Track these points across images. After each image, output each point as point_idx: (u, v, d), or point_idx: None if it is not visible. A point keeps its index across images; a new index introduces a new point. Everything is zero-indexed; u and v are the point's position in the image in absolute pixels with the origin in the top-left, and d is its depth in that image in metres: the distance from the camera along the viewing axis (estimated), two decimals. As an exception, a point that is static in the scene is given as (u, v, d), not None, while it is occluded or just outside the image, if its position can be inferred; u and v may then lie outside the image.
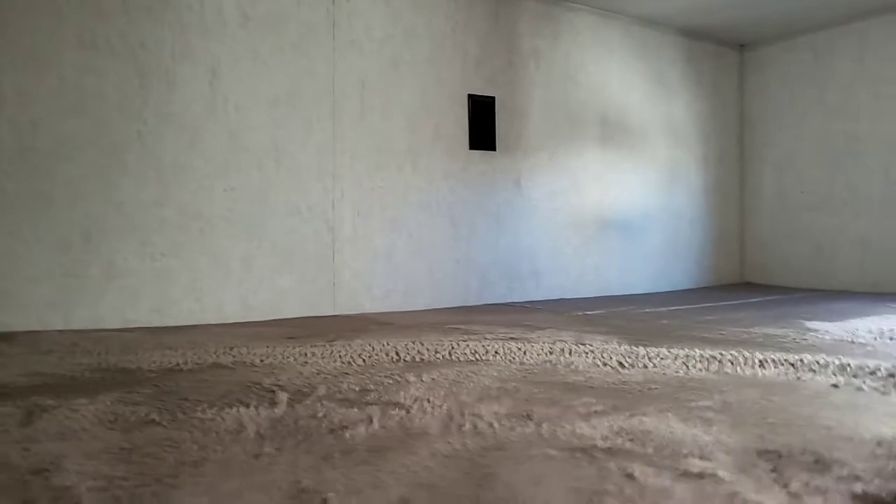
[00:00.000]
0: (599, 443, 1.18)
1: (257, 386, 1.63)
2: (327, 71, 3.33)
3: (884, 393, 1.57)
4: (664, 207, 4.69)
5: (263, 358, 2.02)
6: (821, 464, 1.07)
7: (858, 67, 4.51)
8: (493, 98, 3.82)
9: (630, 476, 1.02)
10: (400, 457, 1.10)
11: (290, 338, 2.50)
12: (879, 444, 1.17)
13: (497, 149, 3.84)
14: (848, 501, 0.92)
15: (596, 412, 1.38)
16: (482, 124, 3.78)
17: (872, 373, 1.76)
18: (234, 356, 2.05)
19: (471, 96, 3.74)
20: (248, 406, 1.42)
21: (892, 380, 1.69)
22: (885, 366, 1.83)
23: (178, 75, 2.96)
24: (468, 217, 3.76)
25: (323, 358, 2.02)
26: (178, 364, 1.92)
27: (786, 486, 0.98)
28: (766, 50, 5.06)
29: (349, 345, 2.25)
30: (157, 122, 2.93)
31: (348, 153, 3.40)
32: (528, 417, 1.33)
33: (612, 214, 4.39)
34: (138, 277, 2.89)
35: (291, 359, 2.01)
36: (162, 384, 1.65)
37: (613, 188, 4.39)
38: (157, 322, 2.92)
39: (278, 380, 1.69)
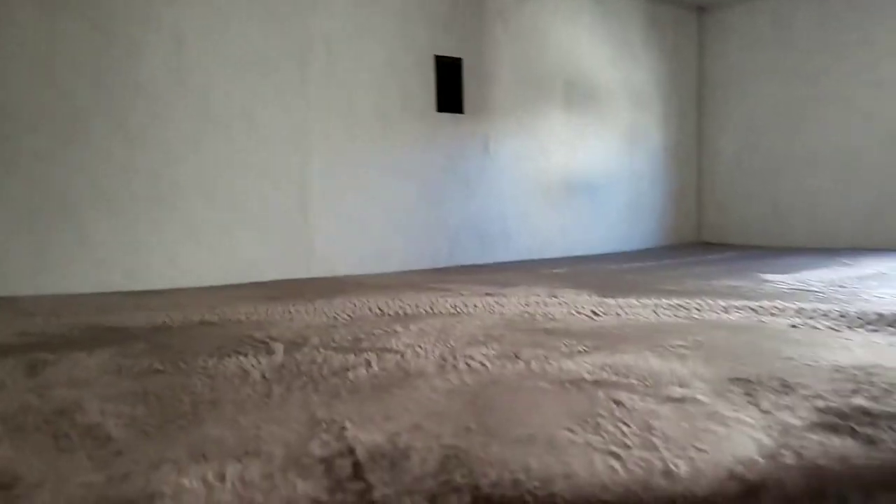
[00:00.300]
0: (586, 376, 1.27)
1: (250, 338, 1.68)
2: (295, 34, 3.31)
3: (837, 331, 1.70)
4: (626, 169, 4.81)
5: (249, 315, 2.06)
6: (787, 387, 1.18)
7: (818, 31, 4.65)
8: (459, 60, 3.85)
9: (618, 402, 1.11)
10: (404, 392, 1.17)
11: (271, 298, 2.54)
12: (837, 370, 1.29)
13: (465, 111, 3.88)
14: (813, 414, 1.03)
15: (579, 352, 1.47)
16: (449, 86, 3.81)
17: (826, 315, 1.90)
18: (219, 315, 2.09)
19: (437, 57, 3.76)
20: (246, 356, 1.47)
21: (843, 320, 1.83)
22: (836, 309, 1.97)
23: (144, 42, 2.92)
24: (438, 180, 3.81)
25: (308, 314, 2.08)
26: (164, 322, 1.95)
27: (758, 405, 1.09)
28: (726, 14, 5.18)
29: (330, 303, 2.31)
30: (123, 89, 2.89)
31: (318, 117, 3.40)
32: (517, 357, 1.42)
33: (578, 176, 4.49)
34: (109, 243, 2.88)
35: (277, 315, 2.06)
36: (155, 340, 1.68)
37: (578, 151, 4.48)
38: (130, 286, 2.92)
39: (269, 333, 1.74)
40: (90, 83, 2.81)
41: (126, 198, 2.91)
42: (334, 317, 2.02)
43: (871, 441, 0.93)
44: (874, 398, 1.11)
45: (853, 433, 0.96)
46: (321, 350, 1.52)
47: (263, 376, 1.29)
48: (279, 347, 1.55)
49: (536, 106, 4.24)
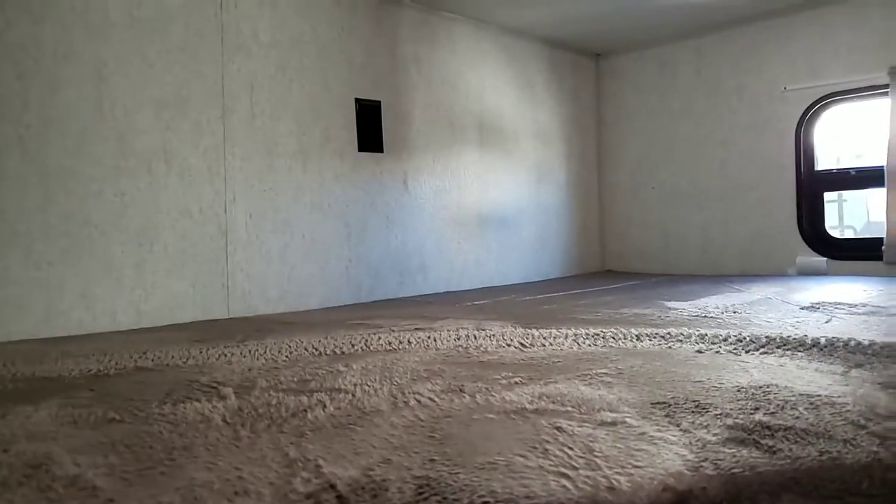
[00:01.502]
0: (527, 406, 1.40)
1: (196, 383, 1.71)
2: (216, 74, 3.35)
3: (736, 354, 1.93)
4: (535, 204, 5.07)
5: (185, 360, 2.08)
6: (700, 407, 1.35)
7: (696, 78, 5.14)
8: (378, 102, 3.99)
9: (560, 428, 1.25)
10: (365, 430, 1.26)
11: (198, 340, 2.54)
12: (739, 390, 1.48)
13: (385, 150, 4.01)
14: (724, 430, 1.20)
15: (516, 383, 1.61)
16: (370, 127, 3.93)
17: (725, 339, 2.13)
18: (152, 360, 2.09)
19: (358, 100, 3.89)
20: (199, 401, 1.51)
21: (740, 344, 2.06)
22: (733, 334, 2.21)
23: (62, 77, 2.88)
24: (360, 217, 3.91)
25: (244, 356, 2.11)
26: (99, 370, 1.94)
27: (678, 425, 1.25)
28: (619, 59, 5.60)
29: (262, 344, 2.34)
30: (39, 125, 2.83)
31: (239, 156, 3.43)
32: (462, 391, 1.53)
33: (490, 211, 4.71)
34: (22, 287, 2.79)
35: (213, 359, 2.09)
36: (98, 388, 1.68)
37: (491, 187, 4.70)
38: (45, 333, 2.83)
39: (214, 377, 1.78)
40: (3, 117, 2.74)
41: (40, 239, 2.83)
42: (273, 358, 2.07)
43: (772, 451, 1.11)
44: (771, 413, 1.30)
45: (757, 445, 1.14)
46: (272, 392, 1.58)
47: (225, 420, 1.34)
48: (229, 392, 1.60)
49: (451, 144, 4.43)
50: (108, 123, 3.00)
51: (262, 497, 0.94)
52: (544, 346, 2.12)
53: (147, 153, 3.12)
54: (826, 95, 4.58)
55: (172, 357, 2.12)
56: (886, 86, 4.25)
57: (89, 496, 0.96)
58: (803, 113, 4.66)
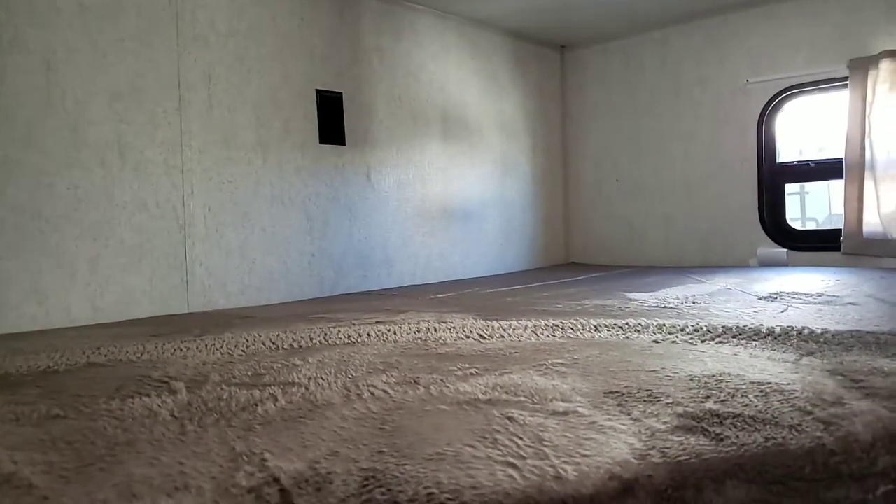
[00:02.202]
0: (480, 396, 1.40)
1: (147, 378, 1.67)
2: (172, 64, 3.28)
3: (692, 344, 1.95)
4: (499, 196, 5.08)
5: (139, 355, 2.03)
6: (652, 397, 1.36)
7: (661, 71, 5.18)
8: (340, 94, 3.95)
9: (511, 419, 1.24)
10: (316, 423, 1.24)
11: (155, 335, 2.49)
12: (692, 379, 1.50)
13: (347, 143, 3.98)
14: (674, 418, 1.21)
15: (472, 374, 1.60)
16: (331, 119, 3.89)
17: (682, 330, 2.15)
18: (105, 355, 2.04)
19: (318, 91, 3.84)
20: (148, 396, 1.48)
21: (696, 334, 2.08)
22: (690, 324, 2.23)
23: (8, 66, 2.79)
24: (322, 210, 3.87)
25: (200, 351, 2.07)
26: (49, 366, 1.89)
27: (629, 414, 1.26)
28: (584, 52, 5.62)
29: (220, 338, 2.31)
30: (-14, 115, 2.74)
31: (197, 148, 3.37)
32: (416, 383, 1.52)
33: (454, 204, 4.69)
34: (-29, 283, 2.70)
35: (168, 354, 2.05)
36: (45, 385, 1.64)
37: (455, 180, 4.69)
38: (-6, 329, 2.75)
39: (166, 372, 1.74)
40: (-53, 111, 2.65)
41: (-12, 234, 2.75)
42: (229, 353, 2.03)
43: (719, 438, 1.12)
44: (722, 401, 1.31)
45: (705, 432, 1.15)
46: (224, 387, 1.55)
47: (173, 415, 1.31)
48: (180, 386, 1.56)
49: (415, 137, 4.41)
50: (59, 114, 2.92)
51: (203, 492, 0.92)
52: (503, 337, 2.12)
53: (100, 145, 3.04)
54: (787, 88, 4.65)
55: (126, 352, 2.07)
56: (845, 78, 4.33)
57: (24, 494, 0.92)
58: (765, 105, 4.73)
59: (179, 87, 3.30)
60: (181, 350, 2.08)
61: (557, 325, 2.29)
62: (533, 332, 2.20)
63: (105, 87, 3.05)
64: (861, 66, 4.24)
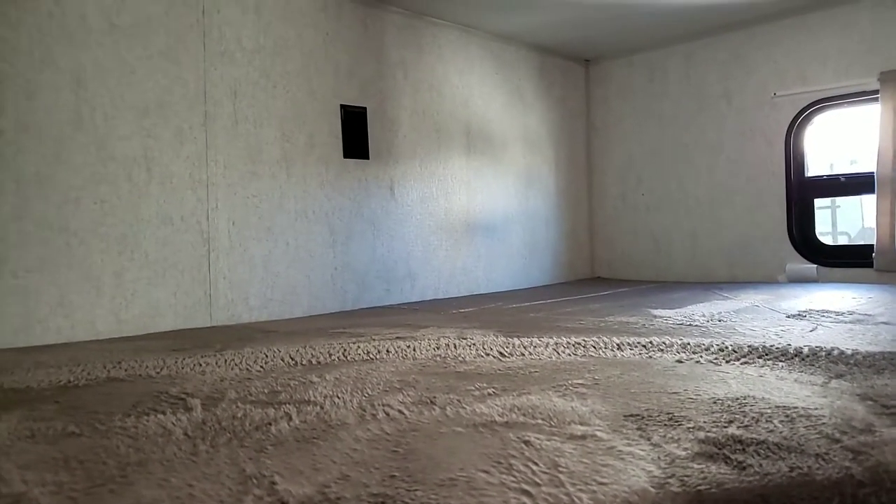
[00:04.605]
0: (497, 418, 1.37)
1: (165, 395, 1.67)
2: (199, 80, 3.32)
3: (716, 364, 1.90)
4: (523, 210, 5.05)
5: (159, 370, 2.04)
6: (674, 420, 1.32)
7: (686, 84, 5.13)
8: (364, 108, 3.97)
9: (527, 442, 1.21)
10: (328, 444, 1.23)
11: (176, 350, 2.51)
12: (715, 402, 1.46)
13: (370, 157, 3.99)
14: (695, 444, 1.17)
15: (489, 394, 1.58)
16: (355, 134, 3.91)
17: (707, 349, 2.10)
18: (126, 370, 2.06)
19: (343, 107, 3.86)
20: (164, 413, 1.48)
21: (721, 353, 2.03)
22: (715, 343, 2.18)
23: (39, 84, 2.85)
24: (345, 224, 3.88)
25: (219, 366, 2.08)
26: (70, 381, 1.91)
27: (649, 439, 1.22)
28: (608, 65, 5.59)
29: (240, 353, 2.31)
30: (16, 132, 2.79)
31: (222, 163, 3.40)
32: (433, 403, 1.50)
33: (478, 218, 4.68)
34: None
35: (187, 369, 2.05)
36: (63, 400, 1.65)
37: (478, 193, 4.68)
38: (22, 342, 2.79)
39: (184, 388, 1.75)
40: (-21, 128, 2.71)
41: (17, 246, 2.79)
42: (247, 368, 2.03)
43: (741, 467, 1.08)
44: (745, 427, 1.27)
45: (727, 460, 1.11)
46: (240, 405, 1.54)
47: (186, 434, 1.31)
48: (197, 403, 1.56)
49: (438, 151, 4.41)
50: (88, 130, 2.97)
51: (210, 517, 0.91)
52: (523, 355, 2.09)
53: (127, 160, 3.09)
54: (815, 101, 4.57)
55: (146, 367, 2.08)
56: (876, 91, 4.24)
57: (30, 516, 0.92)
58: (793, 119, 4.65)
59: (206, 102, 3.34)
60: (200, 365, 2.09)
61: (579, 343, 2.25)
62: (554, 349, 2.17)
63: (133, 103, 3.10)
64: (893, 79, 4.15)
